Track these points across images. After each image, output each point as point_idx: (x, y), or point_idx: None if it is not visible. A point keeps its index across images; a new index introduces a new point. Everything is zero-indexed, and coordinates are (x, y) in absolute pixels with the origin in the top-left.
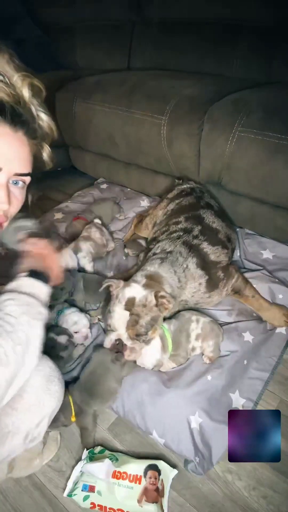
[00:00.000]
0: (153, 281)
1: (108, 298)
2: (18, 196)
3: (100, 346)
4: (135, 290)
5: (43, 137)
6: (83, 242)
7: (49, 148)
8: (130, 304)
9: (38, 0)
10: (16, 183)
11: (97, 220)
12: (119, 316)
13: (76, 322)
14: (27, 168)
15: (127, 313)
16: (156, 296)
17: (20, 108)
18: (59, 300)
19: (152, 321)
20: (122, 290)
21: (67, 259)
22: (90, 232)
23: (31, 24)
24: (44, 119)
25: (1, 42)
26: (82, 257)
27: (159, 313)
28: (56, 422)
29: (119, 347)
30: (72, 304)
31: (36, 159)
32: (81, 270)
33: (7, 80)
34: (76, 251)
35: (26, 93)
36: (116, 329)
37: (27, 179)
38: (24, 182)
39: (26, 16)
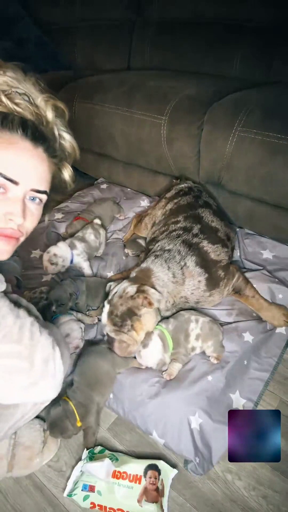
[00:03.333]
0: (142, 276)
1: None
2: (34, 212)
3: (90, 342)
4: (121, 285)
5: (65, 156)
6: (78, 242)
7: (71, 169)
8: (112, 297)
9: (38, 0)
10: (33, 199)
11: (96, 221)
12: (104, 310)
13: (68, 335)
14: (44, 186)
15: (108, 305)
16: (138, 290)
17: (42, 127)
18: (66, 306)
19: (129, 311)
20: (113, 289)
21: (63, 249)
22: (85, 234)
23: (31, 24)
24: (66, 138)
25: (26, 66)
26: (77, 254)
27: (140, 305)
28: (66, 433)
29: (110, 340)
30: (72, 308)
31: (58, 178)
32: (76, 270)
33: (32, 100)
34: (72, 247)
35: (49, 113)
36: (104, 324)
37: (44, 196)
38: (41, 200)
39: (26, 16)
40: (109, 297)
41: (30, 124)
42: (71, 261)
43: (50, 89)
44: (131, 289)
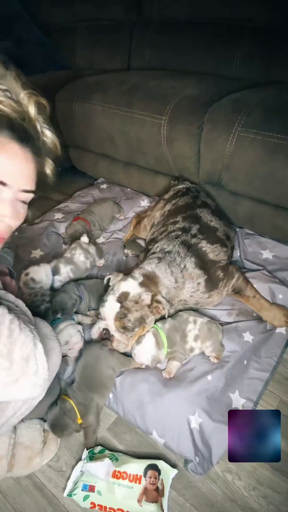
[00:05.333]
0: (149, 281)
1: None
2: (20, 211)
3: (88, 341)
4: (131, 286)
5: (47, 153)
6: (64, 265)
7: (53, 163)
8: (123, 298)
9: (38, 0)
10: None
11: (84, 239)
12: (110, 307)
13: (67, 342)
14: (32, 185)
15: (118, 305)
16: (152, 299)
17: (26, 125)
18: (71, 312)
19: (141, 319)
20: (118, 283)
21: (42, 276)
22: (73, 255)
23: (30, 24)
24: (48, 135)
25: (9, 61)
26: (59, 280)
27: (150, 314)
28: (68, 430)
29: (106, 336)
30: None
31: (40, 173)
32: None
33: (14, 96)
34: (55, 272)
35: (32, 110)
36: (105, 319)
37: (32, 195)
38: (27, 198)
39: (26, 16)
40: (116, 295)
41: (17, 125)
42: (51, 286)
43: (31, 84)
44: (147, 297)
